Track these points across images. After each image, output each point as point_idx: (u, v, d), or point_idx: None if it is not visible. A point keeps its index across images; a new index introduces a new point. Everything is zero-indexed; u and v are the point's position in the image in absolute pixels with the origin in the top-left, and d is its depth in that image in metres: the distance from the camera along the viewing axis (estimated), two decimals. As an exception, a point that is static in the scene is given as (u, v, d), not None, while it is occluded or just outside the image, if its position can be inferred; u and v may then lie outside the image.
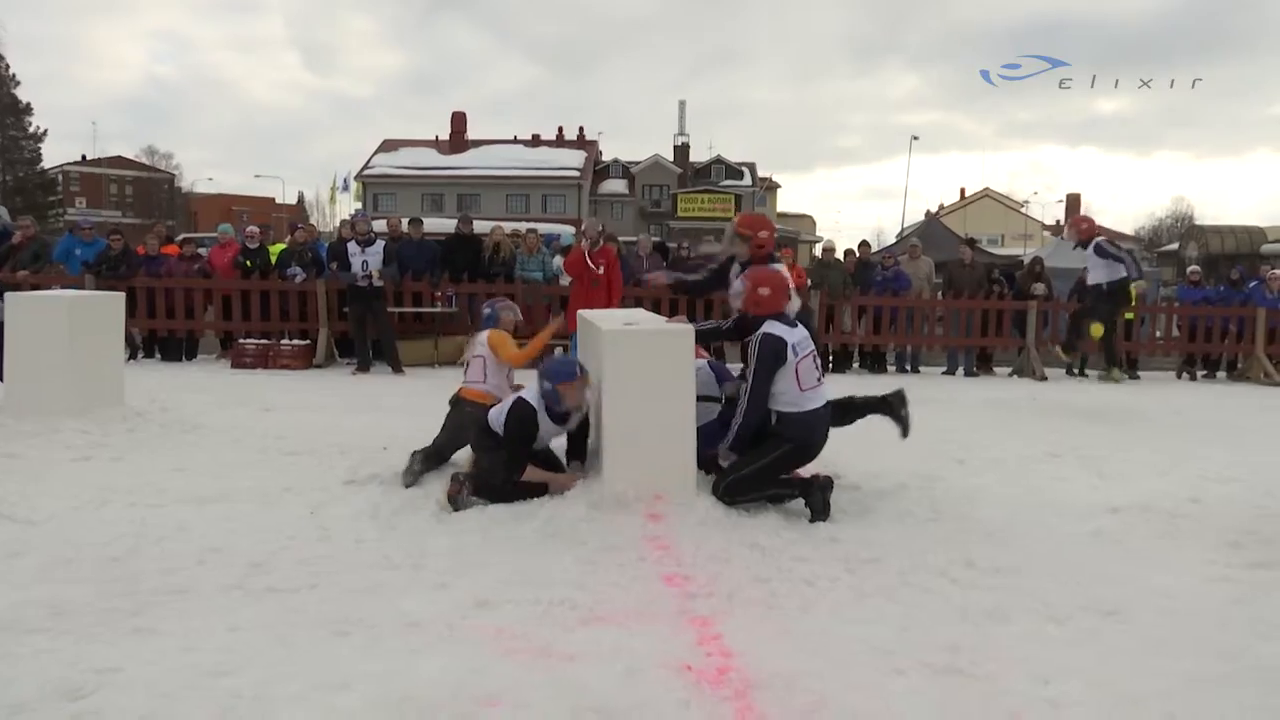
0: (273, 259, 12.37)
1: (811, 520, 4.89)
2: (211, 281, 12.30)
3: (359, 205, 53.41)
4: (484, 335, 6.12)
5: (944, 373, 13.02)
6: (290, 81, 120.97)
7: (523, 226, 15.49)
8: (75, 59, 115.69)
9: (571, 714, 2.82)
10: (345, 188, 49.07)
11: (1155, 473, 6.37)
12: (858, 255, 14.05)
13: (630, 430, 4.91)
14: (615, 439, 4.93)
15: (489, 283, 12.40)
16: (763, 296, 5.12)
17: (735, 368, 5.76)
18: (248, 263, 12.23)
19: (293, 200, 70.92)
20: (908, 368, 13.30)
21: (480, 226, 13.84)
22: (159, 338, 12.29)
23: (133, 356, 11.97)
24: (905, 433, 5.38)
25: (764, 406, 4.99)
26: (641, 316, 5.93)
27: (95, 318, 7.44)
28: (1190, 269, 15.13)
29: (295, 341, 11.83)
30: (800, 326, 5.15)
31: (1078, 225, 10.39)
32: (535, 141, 59.01)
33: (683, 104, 73.32)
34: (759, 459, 5.00)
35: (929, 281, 13.70)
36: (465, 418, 5.76)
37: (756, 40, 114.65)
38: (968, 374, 13.00)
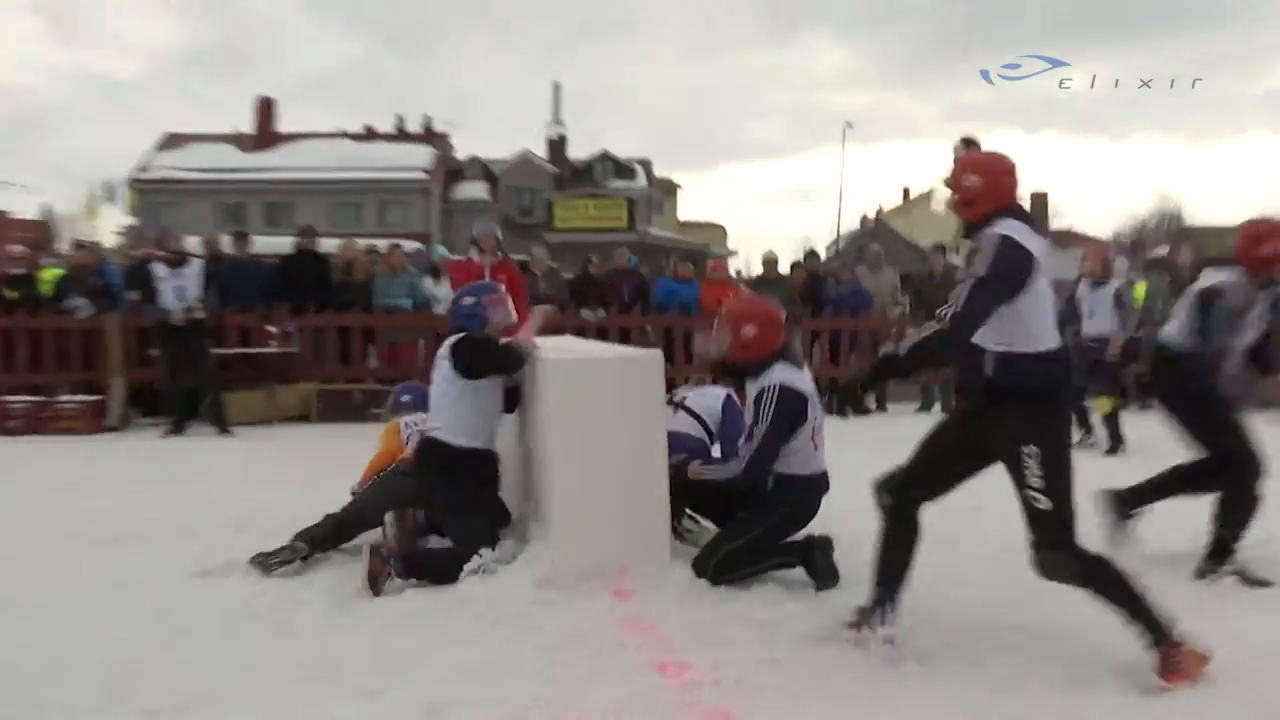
0: (43, 288, 12.04)
1: (818, 589, 5.08)
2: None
3: (131, 220, 52.00)
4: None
5: (918, 409, 13.54)
6: (27, 56, 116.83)
7: (380, 243, 15.48)
8: None
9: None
10: (111, 197, 47.78)
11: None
12: (805, 268, 14.55)
13: (585, 488, 5.02)
14: (566, 499, 5.03)
15: (340, 313, 12.33)
16: (750, 338, 5.22)
17: None
18: (9, 293, 11.85)
19: (32, 214, 68.44)
20: (872, 405, 13.77)
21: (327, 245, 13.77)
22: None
23: None
24: (820, 586, 5.16)
25: (768, 466, 5.11)
26: (581, 345, 6.07)
27: None
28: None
29: (79, 397, 11.54)
30: (806, 370, 5.33)
31: (1102, 256, 10.45)
32: (368, 135, 58.62)
33: (557, 87, 73.90)
34: (751, 528, 5.16)
35: (894, 298, 14.25)
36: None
37: (647, 6, 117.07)
38: (945, 410, 13.54)
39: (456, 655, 4.27)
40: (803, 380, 5.21)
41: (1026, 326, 4.10)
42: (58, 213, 70.22)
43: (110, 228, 53.15)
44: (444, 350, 5.54)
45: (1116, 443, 10.07)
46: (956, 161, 4.43)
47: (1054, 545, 4.09)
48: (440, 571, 5.12)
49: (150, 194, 52.90)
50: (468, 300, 5.71)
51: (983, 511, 6.70)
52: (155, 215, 49.92)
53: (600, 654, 4.27)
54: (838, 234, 50.15)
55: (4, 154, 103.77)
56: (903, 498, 4.58)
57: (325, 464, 8.14)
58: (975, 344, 4.16)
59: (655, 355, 5.22)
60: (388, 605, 4.90)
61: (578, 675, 4.05)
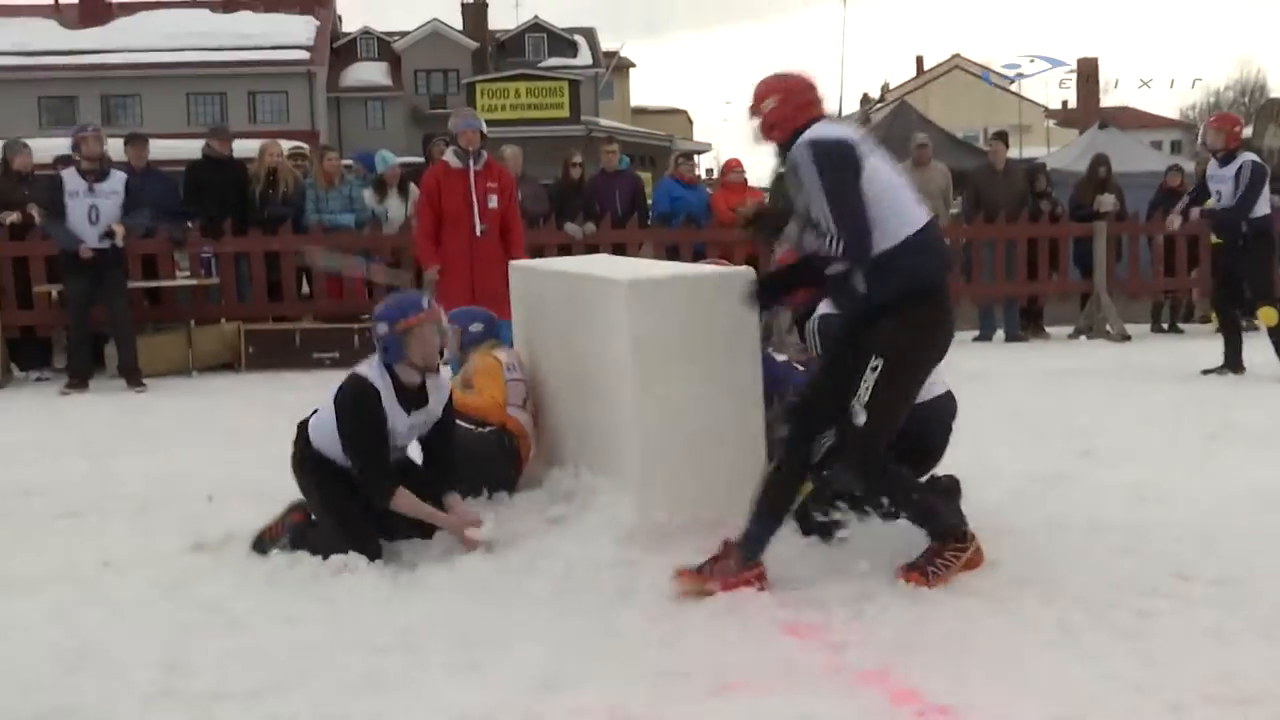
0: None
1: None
2: None
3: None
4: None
5: (976, 338, 14.07)
6: None
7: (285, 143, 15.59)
8: None
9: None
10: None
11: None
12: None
13: (672, 430, 5.46)
14: (650, 444, 5.47)
15: (267, 233, 12.58)
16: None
17: None
18: None
19: None
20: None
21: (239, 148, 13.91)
22: None
23: None
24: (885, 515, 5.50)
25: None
26: (637, 264, 6.46)
27: None
28: None
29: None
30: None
31: (1225, 126, 10.97)
32: (230, 4, 57.99)
33: (472, -65, 73.79)
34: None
35: (945, 199, 14.66)
36: None
37: None
38: (1010, 338, 14.09)
39: (549, 624, 4.70)
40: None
41: (883, 214, 4.87)
42: None
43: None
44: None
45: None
46: (754, 90, 5.24)
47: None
48: (325, 539, 5.59)
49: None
50: (380, 329, 5.60)
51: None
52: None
53: (715, 618, 4.71)
54: (839, 117, 50.55)
55: None
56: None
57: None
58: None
59: (745, 272, 5.61)
60: (440, 572, 5.32)
61: (699, 643, 4.50)
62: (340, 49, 58.31)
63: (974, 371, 10.43)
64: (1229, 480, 6.78)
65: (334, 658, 4.52)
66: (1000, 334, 14.20)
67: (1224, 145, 10.62)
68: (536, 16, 61.09)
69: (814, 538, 5.50)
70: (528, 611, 4.87)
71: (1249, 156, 10.61)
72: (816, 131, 4.91)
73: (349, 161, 15.10)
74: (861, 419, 4.91)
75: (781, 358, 6.34)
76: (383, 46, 59.04)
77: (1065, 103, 75.19)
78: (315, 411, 5.84)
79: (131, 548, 5.96)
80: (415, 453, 5.95)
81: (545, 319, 6.48)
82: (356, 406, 5.57)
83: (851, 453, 5.04)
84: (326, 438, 5.67)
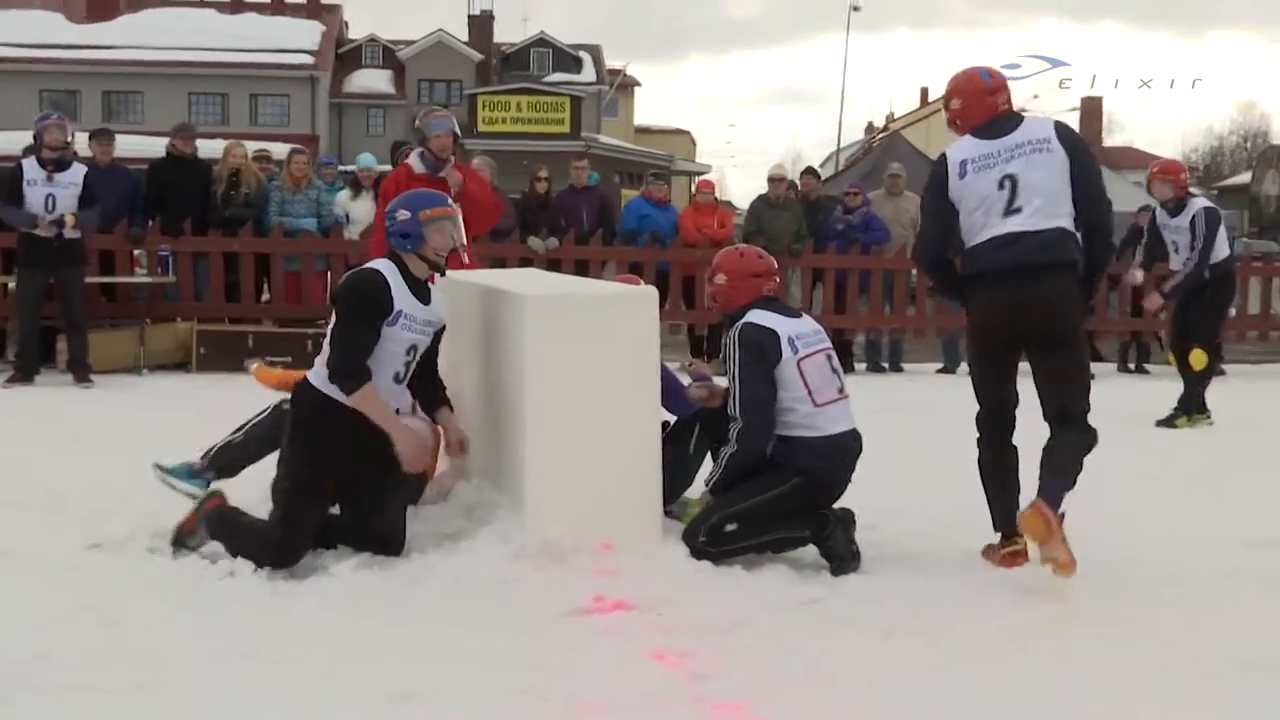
0: None
1: (834, 572, 5.53)
2: None
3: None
4: None
5: (940, 370, 14.10)
6: None
7: (275, 148, 15.65)
8: None
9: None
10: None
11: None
12: (800, 190, 14.99)
13: (566, 448, 5.42)
14: (541, 462, 5.44)
15: (227, 234, 12.57)
16: (721, 287, 5.85)
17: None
18: None
19: None
20: (884, 364, 14.25)
21: (206, 148, 13.94)
22: None
23: None
24: (837, 568, 5.60)
25: (767, 429, 5.61)
26: (553, 279, 6.44)
27: None
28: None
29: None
30: (806, 318, 5.90)
31: (1173, 175, 10.73)
32: (236, 5, 58.24)
33: (480, -50, 74.19)
34: (754, 493, 5.63)
35: (915, 231, 14.63)
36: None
37: None
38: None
39: (419, 637, 4.65)
40: (780, 321, 5.68)
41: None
42: None
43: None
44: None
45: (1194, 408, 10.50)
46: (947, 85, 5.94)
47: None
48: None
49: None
50: (402, 214, 5.63)
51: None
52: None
53: (587, 638, 4.69)
54: (838, 146, 50.64)
55: None
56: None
57: (212, 425, 8.34)
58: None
59: (649, 293, 5.60)
60: (326, 582, 5.27)
61: (563, 662, 4.44)
62: (345, 55, 58.47)
63: (935, 404, 10.50)
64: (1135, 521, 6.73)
65: (199, 662, 4.48)
66: (964, 366, 14.06)
67: (1172, 194, 10.48)
68: (542, 32, 61.30)
69: (704, 562, 5.47)
70: (402, 624, 4.82)
71: (1200, 203, 10.51)
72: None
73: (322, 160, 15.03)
74: None
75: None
76: (388, 54, 59.21)
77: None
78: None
79: (27, 543, 5.91)
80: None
81: (461, 331, 6.45)
82: (357, 290, 5.52)
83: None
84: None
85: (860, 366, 14.11)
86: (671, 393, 6.16)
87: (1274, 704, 4.28)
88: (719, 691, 4.22)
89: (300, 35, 56.32)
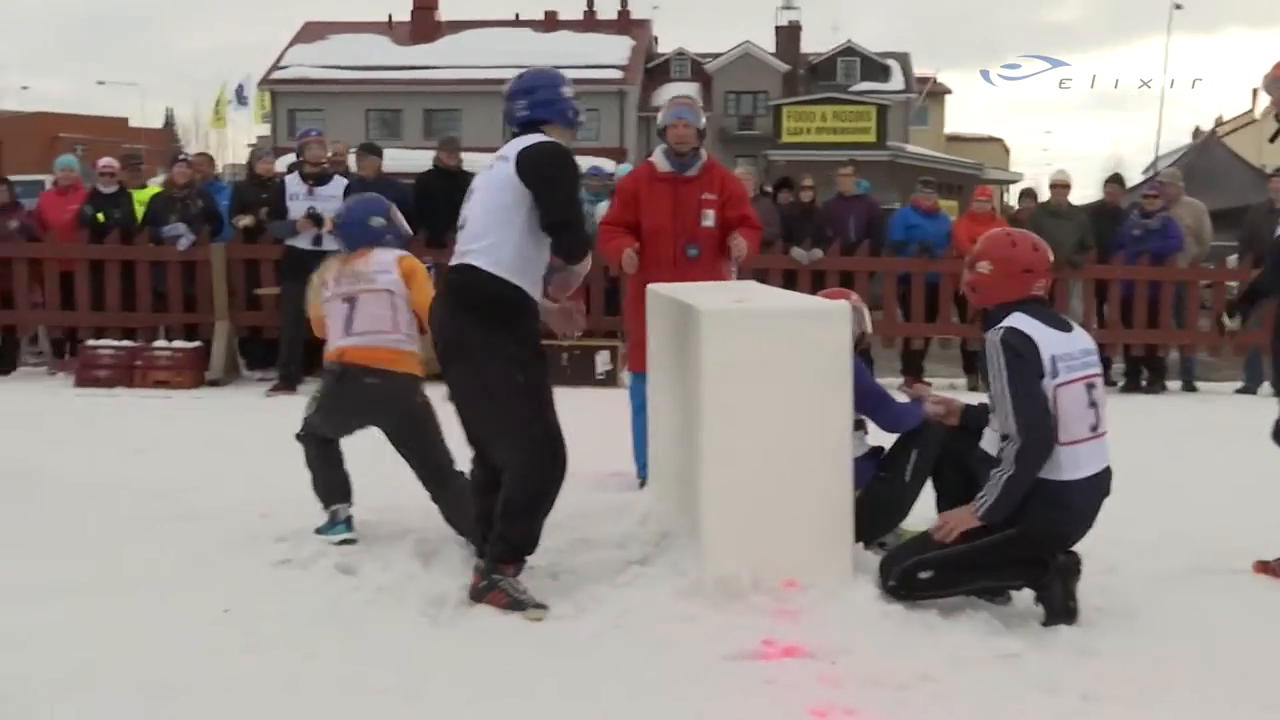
0: (140, 211, 12.64)
1: (1046, 622, 4.91)
2: (42, 247, 12.57)
3: (264, 127, 54.30)
4: (389, 257, 6.22)
5: (1239, 390, 12.99)
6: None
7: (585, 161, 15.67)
8: None
9: None
10: (241, 100, 49.91)
11: None
12: (1104, 197, 14.13)
13: (747, 476, 5.00)
14: (719, 490, 5.03)
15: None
16: (980, 277, 5.15)
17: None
18: (99, 216, 12.47)
19: (157, 123, 72.38)
20: (1171, 385, 13.25)
21: (472, 160, 14.00)
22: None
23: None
24: (1049, 621, 4.97)
25: (1046, 446, 4.87)
26: (759, 291, 6.02)
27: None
28: None
29: (178, 344, 12.14)
30: (1077, 332, 5.14)
31: None
32: (550, 23, 59.70)
33: (790, -40, 74.13)
34: (967, 537, 4.98)
35: (1198, 238, 13.58)
36: (375, 403, 6.06)
37: None
38: (1278, 392, 12.83)
39: (564, 681, 4.32)
40: (1045, 333, 4.95)
41: None
42: (182, 119, 74.48)
43: (242, 136, 55.82)
44: (508, 150, 5.35)
45: None
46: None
47: None
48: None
49: (286, 96, 55.22)
50: (376, 221, 6.27)
51: None
52: (292, 123, 52.20)
53: (745, 688, 4.26)
54: (1156, 153, 48.11)
55: (119, 51, 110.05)
56: None
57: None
58: None
59: (841, 308, 5.11)
60: (491, 616, 4.98)
61: (711, 713, 4.05)
62: (654, 69, 59.05)
63: (1235, 424, 9.57)
64: None
65: (333, 678, 4.31)
66: (1268, 385, 12.94)
67: None
68: (850, 40, 60.46)
69: (897, 603, 4.94)
70: (552, 662, 4.50)
71: None
72: None
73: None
74: None
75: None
76: (695, 67, 59.48)
77: None
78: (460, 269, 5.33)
79: (221, 558, 5.87)
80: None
81: (665, 352, 6.11)
82: (568, 161, 5.37)
83: None
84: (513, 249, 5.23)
85: (1174, 384, 13.21)
86: (880, 407, 5.66)
87: None
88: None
89: (611, 50, 57.17)
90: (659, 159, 7.51)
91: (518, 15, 60.29)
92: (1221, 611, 5.23)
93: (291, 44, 58.14)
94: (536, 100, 5.47)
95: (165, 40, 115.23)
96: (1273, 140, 5.95)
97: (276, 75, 55.78)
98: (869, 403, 5.58)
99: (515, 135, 5.41)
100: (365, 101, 54.74)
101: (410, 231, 6.52)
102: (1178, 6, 48.44)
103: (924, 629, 4.75)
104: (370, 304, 6.07)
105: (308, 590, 5.39)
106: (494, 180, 5.29)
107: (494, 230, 5.20)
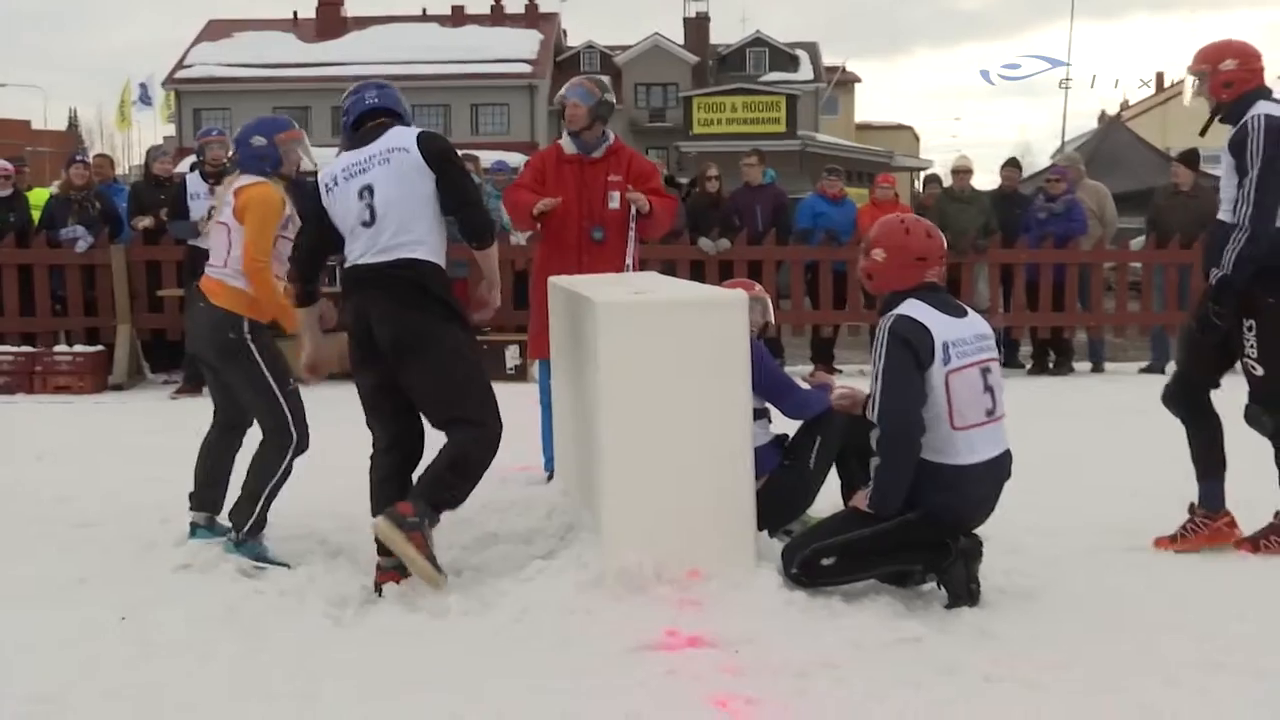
0: (35, 214, 12.40)
1: (949, 605, 4.90)
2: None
3: (170, 127, 53.50)
4: (240, 184, 5.92)
5: (1143, 369, 13.08)
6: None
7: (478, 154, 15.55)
8: None
9: None
10: (146, 100, 49.17)
11: None
12: (1001, 182, 14.20)
13: (646, 466, 4.95)
14: (620, 481, 4.97)
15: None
16: (877, 264, 5.13)
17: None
18: (-8, 220, 12.20)
19: (61, 124, 71.10)
20: (1079, 366, 13.36)
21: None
22: None
23: None
24: (952, 603, 4.94)
25: (911, 439, 4.87)
26: (659, 282, 5.97)
27: None
28: None
29: (79, 348, 11.90)
30: (972, 318, 5.10)
31: None
32: (457, 18, 59.33)
33: (696, -50, 74.25)
34: (858, 523, 4.99)
35: (1102, 220, 13.68)
36: (197, 327, 6.02)
37: None
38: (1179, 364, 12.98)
39: (463, 680, 4.24)
40: (938, 320, 4.93)
41: None
42: (85, 120, 73.27)
43: (148, 137, 54.89)
44: (394, 141, 5.32)
45: None
46: (1207, 47, 5.82)
47: (1266, 401, 5.65)
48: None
49: (191, 95, 54.44)
50: (257, 140, 5.87)
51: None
52: (197, 122, 51.40)
53: (646, 680, 4.20)
54: (1063, 138, 48.72)
55: (22, 51, 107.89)
56: (1190, 396, 5.91)
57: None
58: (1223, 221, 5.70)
59: (738, 297, 5.08)
60: (394, 615, 4.92)
61: (607, 713, 3.98)
62: (563, 63, 58.79)
63: (1142, 406, 9.57)
64: None
65: (227, 684, 4.22)
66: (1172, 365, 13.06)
67: None
68: (758, 31, 60.62)
69: (800, 590, 4.91)
70: (451, 659, 4.43)
71: None
72: (1272, 109, 5.56)
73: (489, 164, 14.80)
74: (1260, 370, 5.63)
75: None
76: (605, 60, 59.33)
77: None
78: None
79: (118, 563, 5.77)
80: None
81: (565, 343, 6.06)
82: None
83: (1262, 397, 5.66)
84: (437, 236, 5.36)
85: (1082, 365, 13.37)
86: (784, 395, 5.61)
87: None
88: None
89: (519, 44, 56.93)
90: (565, 141, 7.37)
91: (425, 10, 59.81)
92: (1122, 589, 5.27)
93: (196, 42, 57.38)
94: (388, 95, 5.54)
95: (68, 40, 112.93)
96: (1203, 134, 5.98)
97: (181, 74, 55.01)
98: (773, 390, 5.54)
99: (361, 129, 5.44)
100: (272, 99, 53.79)
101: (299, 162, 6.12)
102: (1081, -10, 49.09)
103: (827, 615, 4.73)
104: (215, 234, 5.97)
105: (207, 595, 5.25)
106: (402, 170, 5.22)
107: (421, 220, 5.23)
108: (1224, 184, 5.85)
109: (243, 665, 4.45)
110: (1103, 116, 56.44)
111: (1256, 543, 5.82)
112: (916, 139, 72.30)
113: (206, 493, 6.00)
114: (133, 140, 55.41)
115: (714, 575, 4.90)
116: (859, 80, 68.06)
